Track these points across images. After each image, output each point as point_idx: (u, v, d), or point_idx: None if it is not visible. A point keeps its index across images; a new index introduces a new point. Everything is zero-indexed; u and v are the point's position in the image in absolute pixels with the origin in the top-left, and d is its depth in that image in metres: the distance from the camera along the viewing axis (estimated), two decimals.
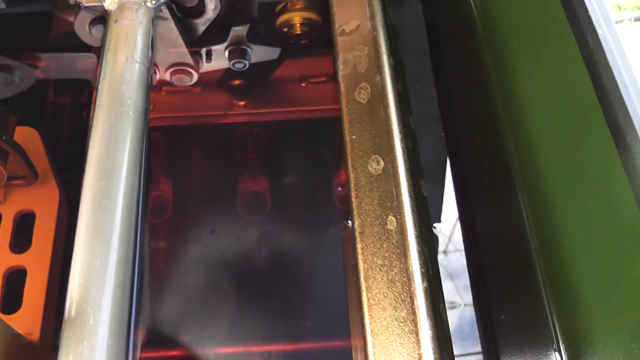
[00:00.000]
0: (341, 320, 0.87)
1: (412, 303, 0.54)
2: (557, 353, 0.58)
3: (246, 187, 1.06)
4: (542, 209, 0.63)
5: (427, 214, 0.62)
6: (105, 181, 0.69)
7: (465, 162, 0.96)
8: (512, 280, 0.73)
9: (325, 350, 0.93)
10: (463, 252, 0.90)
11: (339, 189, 0.97)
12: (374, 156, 0.62)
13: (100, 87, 0.78)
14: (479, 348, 0.85)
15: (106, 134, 0.73)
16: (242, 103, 1.07)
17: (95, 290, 0.63)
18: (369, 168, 0.61)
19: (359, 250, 0.58)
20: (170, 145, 1.07)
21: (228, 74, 1.06)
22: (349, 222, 0.64)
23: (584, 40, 0.60)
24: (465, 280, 0.88)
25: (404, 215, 0.59)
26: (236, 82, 1.06)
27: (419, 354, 0.52)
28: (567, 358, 0.56)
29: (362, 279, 0.57)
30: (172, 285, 0.95)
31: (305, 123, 1.06)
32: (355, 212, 0.60)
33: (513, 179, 0.68)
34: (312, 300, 0.95)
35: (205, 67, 1.07)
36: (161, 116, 1.06)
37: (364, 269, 0.57)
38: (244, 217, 1.04)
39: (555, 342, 0.57)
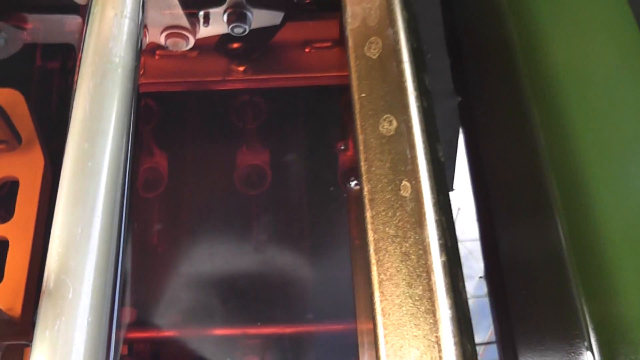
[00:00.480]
0: (346, 300, 0.82)
1: (429, 279, 0.48)
2: (585, 342, 0.52)
3: (245, 159, 1.00)
4: (570, 175, 0.57)
5: (444, 180, 0.56)
6: (89, 143, 0.64)
7: (481, 139, 0.90)
8: (532, 260, 0.67)
9: (328, 334, 0.87)
10: (465, 243, 0.84)
11: (342, 148, 0.90)
12: (385, 115, 0.55)
13: (86, 43, 0.72)
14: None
15: (91, 92, 0.67)
16: (241, 68, 1.01)
17: (75, 261, 0.58)
18: (380, 128, 0.55)
19: (369, 219, 0.52)
20: (164, 113, 1.01)
21: (226, 37, 0.99)
22: (353, 182, 0.58)
23: None
24: (467, 269, 0.83)
25: (420, 181, 0.52)
26: (235, 45, 1.00)
27: (436, 336, 0.46)
28: (598, 347, 0.50)
29: (371, 251, 0.51)
30: (164, 261, 0.90)
31: (310, 91, 1.00)
32: (364, 177, 0.53)
33: (538, 148, 0.62)
34: (312, 278, 0.90)
35: (202, 31, 1.00)
36: (155, 82, 1.00)
37: (374, 240, 0.51)
38: (242, 191, 0.99)
39: (585, 329, 0.51)
